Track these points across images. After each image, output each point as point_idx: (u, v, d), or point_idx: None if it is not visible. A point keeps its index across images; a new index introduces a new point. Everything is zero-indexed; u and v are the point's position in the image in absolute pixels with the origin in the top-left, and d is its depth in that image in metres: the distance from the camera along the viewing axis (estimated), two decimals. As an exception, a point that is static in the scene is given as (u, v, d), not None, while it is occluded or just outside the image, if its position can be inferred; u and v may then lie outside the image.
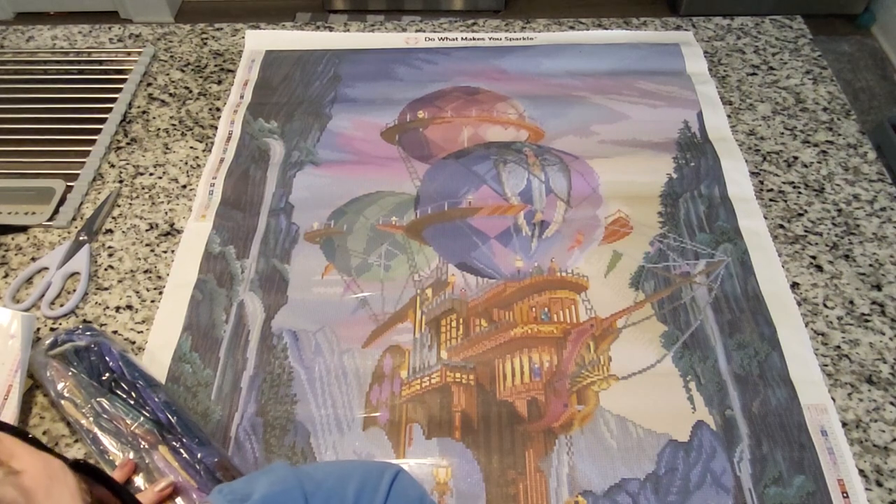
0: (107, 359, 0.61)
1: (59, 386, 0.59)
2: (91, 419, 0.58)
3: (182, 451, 0.56)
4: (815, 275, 0.72)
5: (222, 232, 0.77)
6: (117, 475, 0.55)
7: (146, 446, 0.57)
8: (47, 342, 0.62)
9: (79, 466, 0.42)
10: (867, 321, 0.68)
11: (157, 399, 0.59)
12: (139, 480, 0.56)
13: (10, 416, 0.59)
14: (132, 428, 0.57)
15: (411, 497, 0.46)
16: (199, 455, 0.56)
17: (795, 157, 0.83)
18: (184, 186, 0.82)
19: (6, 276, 0.74)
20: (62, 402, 0.59)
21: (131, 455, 0.56)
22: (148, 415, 0.58)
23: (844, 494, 0.57)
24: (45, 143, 0.86)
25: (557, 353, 0.66)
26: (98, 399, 0.58)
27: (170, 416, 0.58)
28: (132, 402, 0.59)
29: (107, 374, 0.60)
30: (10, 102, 0.92)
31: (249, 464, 0.60)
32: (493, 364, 0.66)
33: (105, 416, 0.58)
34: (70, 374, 0.60)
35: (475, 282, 0.72)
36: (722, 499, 0.57)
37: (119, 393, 0.59)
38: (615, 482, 0.58)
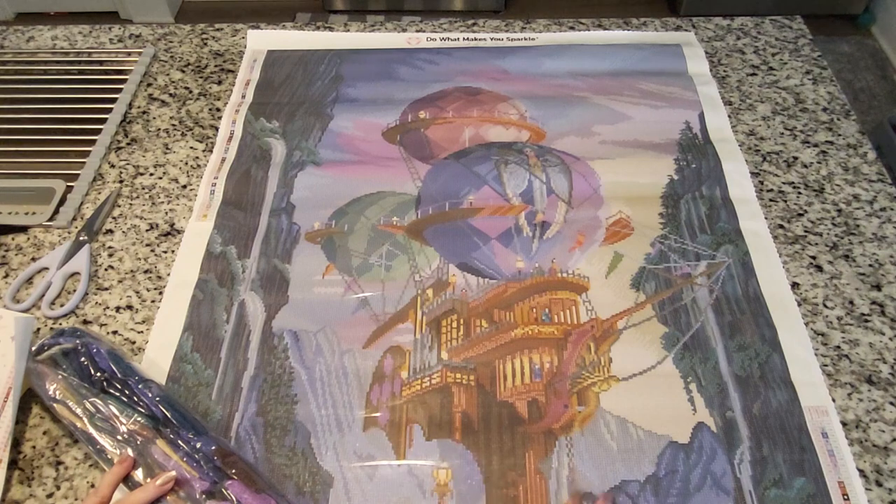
0: (96, 359, 0.61)
1: (50, 390, 0.59)
2: (86, 420, 0.58)
3: (180, 442, 0.57)
4: (815, 275, 0.72)
5: (223, 232, 0.77)
6: (116, 470, 0.55)
7: (144, 441, 0.57)
8: (33, 348, 0.62)
9: None
10: (867, 321, 0.68)
11: (150, 394, 0.59)
12: (139, 475, 0.56)
13: (9, 417, 0.59)
14: (128, 425, 0.57)
15: None
16: (197, 445, 0.56)
17: (795, 158, 0.83)
18: (184, 186, 0.82)
19: (6, 276, 0.74)
20: (55, 405, 0.59)
21: (129, 452, 0.56)
22: (143, 410, 0.58)
23: (845, 497, 0.57)
24: (45, 143, 0.86)
25: (558, 354, 0.66)
26: (91, 400, 0.58)
27: (164, 410, 0.58)
28: (125, 400, 0.59)
29: (97, 374, 0.60)
30: (10, 102, 0.92)
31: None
32: (493, 365, 0.66)
33: (99, 415, 0.58)
34: (60, 377, 0.59)
35: (476, 282, 0.72)
36: (722, 500, 0.57)
37: (112, 391, 0.59)
38: (615, 484, 0.58)
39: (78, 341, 0.62)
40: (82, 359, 0.61)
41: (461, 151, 0.84)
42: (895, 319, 0.69)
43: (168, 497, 0.54)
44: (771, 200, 0.79)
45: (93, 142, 0.86)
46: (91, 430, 0.57)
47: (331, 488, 0.59)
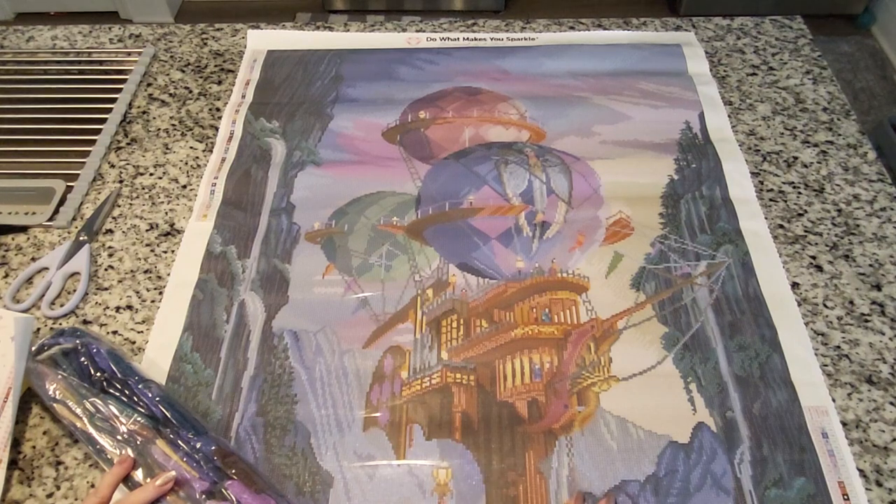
0: (96, 359, 0.61)
1: (50, 390, 0.59)
2: (85, 420, 0.58)
3: (180, 442, 0.57)
4: (815, 275, 0.72)
5: (223, 231, 0.77)
6: (116, 471, 0.55)
7: (144, 441, 0.57)
8: (33, 348, 0.62)
9: None
10: (867, 321, 0.68)
11: (150, 394, 0.59)
12: (139, 476, 0.56)
13: (8, 417, 0.59)
14: (128, 425, 0.57)
15: None
16: (197, 445, 0.56)
17: (795, 158, 0.83)
18: (184, 186, 0.82)
19: (6, 276, 0.74)
20: (55, 405, 0.59)
21: (129, 452, 0.56)
22: (143, 410, 0.58)
23: (845, 497, 0.57)
24: (45, 143, 0.86)
25: (558, 354, 0.66)
26: (91, 400, 0.58)
27: (164, 410, 0.58)
28: (125, 400, 0.59)
29: (97, 374, 0.60)
30: (10, 102, 0.92)
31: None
32: (493, 365, 0.66)
33: (99, 415, 0.58)
34: (60, 377, 0.59)
35: (476, 282, 0.72)
36: (722, 500, 0.57)
37: (112, 391, 0.59)
38: (615, 483, 0.58)
39: (78, 341, 0.62)
40: (82, 359, 0.61)
41: (461, 151, 0.84)
42: (895, 319, 0.69)
43: (168, 497, 0.54)
44: (771, 200, 0.79)
45: (93, 142, 0.86)
46: (91, 430, 0.57)
47: (331, 488, 0.59)
